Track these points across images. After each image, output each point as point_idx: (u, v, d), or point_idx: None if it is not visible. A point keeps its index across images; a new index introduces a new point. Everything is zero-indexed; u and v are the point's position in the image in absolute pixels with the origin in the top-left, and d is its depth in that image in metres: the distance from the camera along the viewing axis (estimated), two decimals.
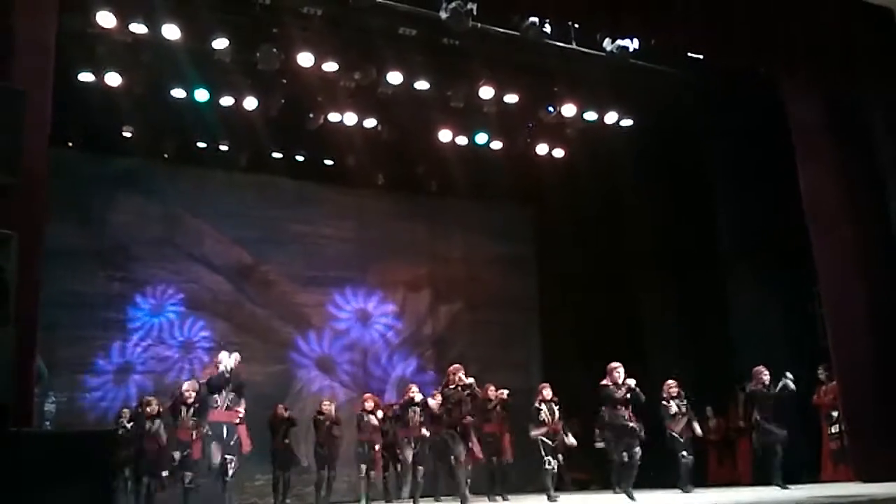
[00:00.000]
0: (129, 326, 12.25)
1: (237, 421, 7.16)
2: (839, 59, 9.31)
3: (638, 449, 8.59)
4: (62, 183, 10.30)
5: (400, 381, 13.25)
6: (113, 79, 10.32)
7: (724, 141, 12.17)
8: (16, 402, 5.02)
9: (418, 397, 9.52)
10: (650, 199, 13.05)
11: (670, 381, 9.85)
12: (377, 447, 10.45)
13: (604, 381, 8.72)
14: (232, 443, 7.13)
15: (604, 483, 11.46)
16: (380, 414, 10.20)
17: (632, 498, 8.37)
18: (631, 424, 8.63)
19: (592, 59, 10.37)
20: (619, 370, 8.73)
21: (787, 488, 8.87)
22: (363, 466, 10.27)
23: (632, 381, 8.70)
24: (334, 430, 10.80)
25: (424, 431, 9.58)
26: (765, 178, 11.49)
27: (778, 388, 9.27)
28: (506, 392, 8.87)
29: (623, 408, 8.60)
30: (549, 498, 9.13)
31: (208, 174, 12.89)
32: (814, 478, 10.08)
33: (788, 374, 9.32)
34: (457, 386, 8.30)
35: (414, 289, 14.46)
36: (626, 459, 8.58)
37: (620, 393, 8.61)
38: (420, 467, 9.50)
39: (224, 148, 12.50)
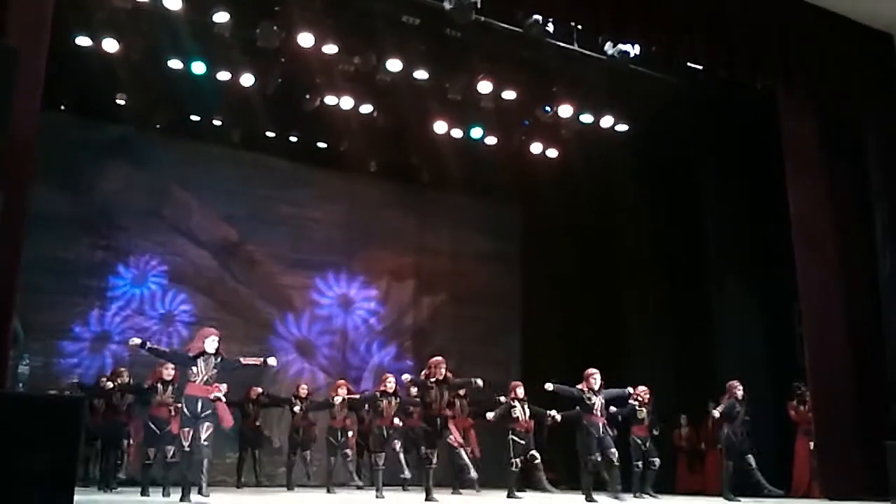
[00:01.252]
0: (110, 295, 12.18)
1: (212, 397, 7.12)
2: (837, 79, 9.38)
3: (613, 451, 8.62)
4: (51, 146, 10.19)
5: (378, 369, 13.24)
6: (110, 45, 10.20)
7: (717, 152, 12.23)
8: None
9: (392, 387, 9.52)
10: (640, 204, 13.09)
11: (641, 388, 9.92)
12: (350, 433, 10.45)
13: (579, 386, 8.76)
14: (204, 415, 7.07)
15: (574, 484, 11.51)
16: (338, 399, 10.16)
17: (618, 499, 8.49)
18: (605, 431, 8.68)
19: (592, 61, 10.37)
20: (594, 377, 8.77)
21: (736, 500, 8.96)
22: (331, 458, 10.28)
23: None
24: (310, 415, 10.83)
25: (397, 421, 9.59)
26: (754, 191, 11.55)
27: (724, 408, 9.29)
28: (480, 381, 8.89)
29: (598, 415, 8.65)
30: (510, 495, 9.22)
31: (200, 148, 12.81)
32: (785, 493, 10.16)
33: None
34: (437, 379, 8.31)
35: (398, 278, 14.45)
36: (601, 464, 8.63)
37: (595, 400, 8.65)
38: (382, 455, 9.44)
39: (218, 123, 12.42)
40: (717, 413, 9.39)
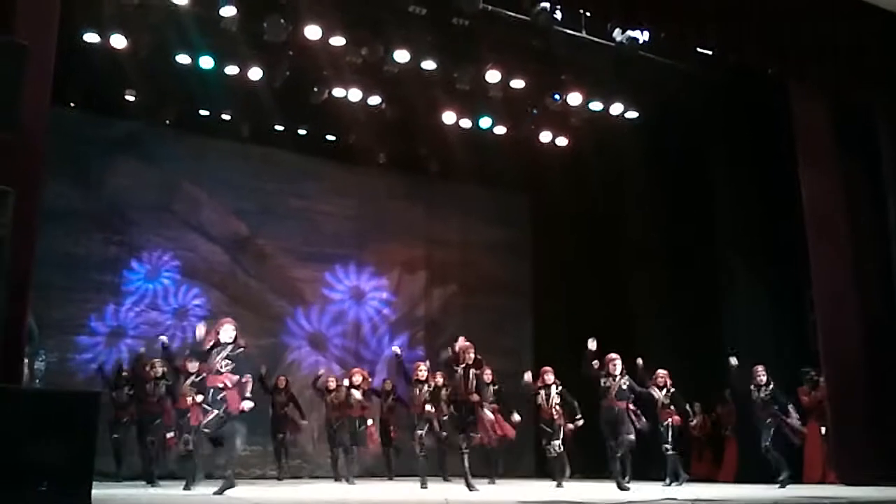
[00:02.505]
0: (124, 290, 12.25)
1: (220, 385, 7.18)
2: (849, 64, 9.29)
3: (628, 438, 8.58)
4: (62, 143, 10.25)
5: (391, 360, 13.25)
6: (118, 41, 10.23)
7: (728, 139, 12.14)
8: (5, 358, 5.03)
9: (424, 375, 9.52)
10: (650, 192, 13.03)
11: (660, 371, 9.90)
12: (369, 422, 10.44)
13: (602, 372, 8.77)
14: (220, 403, 7.15)
15: (589, 473, 11.53)
16: (357, 393, 10.18)
17: (623, 488, 8.40)
18: (624, 416, 8.66)
19: (601, 48, 10.31)
20: (614, 362, 8.75)
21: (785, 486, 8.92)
22: (342, 446, 10.31)
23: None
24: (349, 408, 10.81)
25: (429, 408, 9.53)
26: (765, 178, 11.48)
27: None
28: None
29: (617, 399, 8.64)
30: (558, 485, 9.20)
31: (209, 143, 12.84)
32: (796, 479, 10.14)
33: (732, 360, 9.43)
34: (466, 364, 8.30)
35: (409, 269, 14.46)
36: (617, 450, 8.62)
37: (614, 384, 8.64)
38: (422, 445, 9.44)
39: (226, 117, 12.44)
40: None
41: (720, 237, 12.22)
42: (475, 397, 8.43)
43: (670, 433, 9.72)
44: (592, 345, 8.59)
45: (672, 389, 9.88)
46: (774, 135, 10.93)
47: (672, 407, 9.87)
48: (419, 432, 9.35)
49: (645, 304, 13.17)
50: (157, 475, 9.28)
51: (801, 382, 10.38)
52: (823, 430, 10.13)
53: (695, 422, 11.27)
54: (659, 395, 9.78)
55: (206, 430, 7.07)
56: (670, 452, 9.68)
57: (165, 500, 6.30)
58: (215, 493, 6.93)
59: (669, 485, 9.45)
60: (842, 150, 9.95)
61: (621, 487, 8.33)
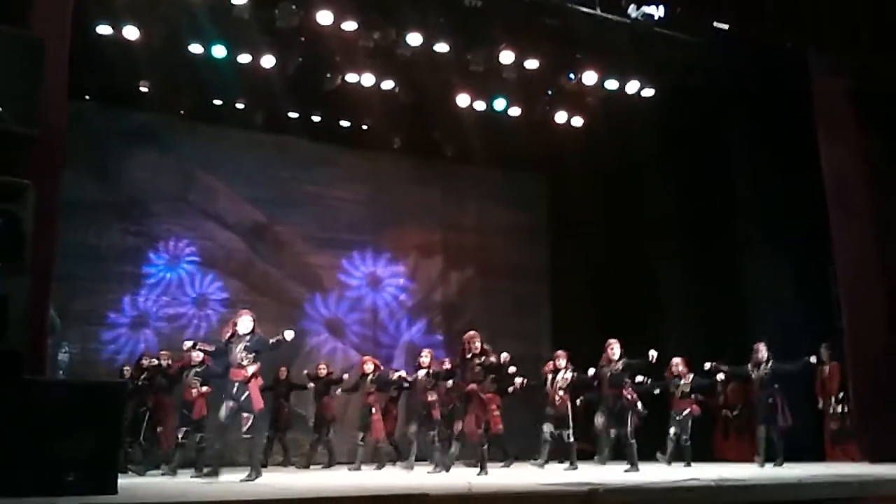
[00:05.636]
0: (144, 280, 12.35)
1: (241, 378, 7.23)
2: (869, 35, 9.11)
3: (628, 428, 8.57)
4: (79, 136, 10.21)
5: (409, 346, 13.31)
6: (131, 32, 10.24)
7: (746, 115, 11.99)
8: (29, 351, 5.07)
9: (426, 362, 9.54)
10: (669, 170, 12.92)
11: (676, 360, 9.83)
12: (374, 410, 10.47)
13: (602, 361, 8.76)
14: (242, 399, 7.21)
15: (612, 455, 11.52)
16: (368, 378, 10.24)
17: (635, 468, 8.39)
18: (617, 404, 8.63)
19: (616, 25, 10.16)
20: (612, 347, 8.72)
21: (780, 465, 8.86)
22: (360, 434, 10.34)
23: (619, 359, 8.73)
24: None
25: (433, 397, 9.59)
26: (786, 153, 11.33)
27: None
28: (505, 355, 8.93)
29: (607, 386, 8.61)
30: (539, 465, 9.25)
31: (224, 132, 12.86)
32: (819, 458, 10.08)
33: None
34: (472, 354, 8.31)
35: (426, 254, 14.46)
36: (613, 436, 8.62)
37: (612, 370, 8.62)
38: (432, 432, 9.48)
39: (240, 106, 12.45)
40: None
41: (741, 215, 12.11)
42: (472, 387, 8.41)
43: (689, 423, 9.68)
44: (653, 355, 8.65)
45: (691, 376, 9.80)
46: (794, 109, 10.77)
47: (693, 396, 9.81)
48: (413, 424, 9.58)
49: (665, 285, 13.11)
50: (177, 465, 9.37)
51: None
52: (835, 408, 10.08)
53: (720, 399, 11.21)
54: (676, 385, 9.72)
55: (247, 434, 7.16)
56: (687, 444, 9.64)
57: (190, 488, 6.36)
58: (242, 481, 7.01)
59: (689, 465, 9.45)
60: (863, 123, 9.81)
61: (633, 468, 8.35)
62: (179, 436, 8.79)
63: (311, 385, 11.20)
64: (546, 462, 9.39)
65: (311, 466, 10.85)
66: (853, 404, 9.74)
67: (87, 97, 11.47)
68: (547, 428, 9.43)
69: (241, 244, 13.12)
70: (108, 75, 11.33)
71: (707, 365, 9.77)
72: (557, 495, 5.31)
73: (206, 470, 8.07)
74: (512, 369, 9.72)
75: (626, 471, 8.21)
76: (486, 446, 8.32)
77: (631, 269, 13.32)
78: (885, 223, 9.62)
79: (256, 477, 7.16)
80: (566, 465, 9.21)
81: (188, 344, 8.14)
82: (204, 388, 8.78)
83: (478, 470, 8.16)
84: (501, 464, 10.01)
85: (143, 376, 9.83)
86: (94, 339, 11.78)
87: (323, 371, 11.10)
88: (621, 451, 9.17)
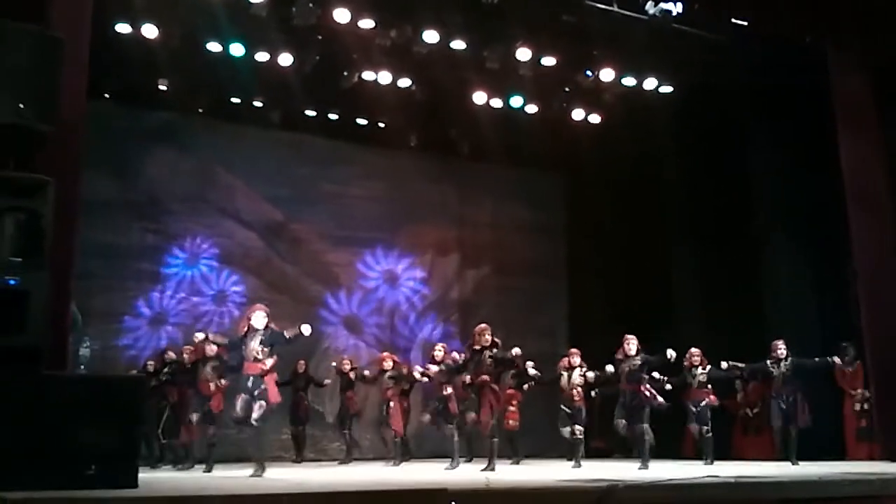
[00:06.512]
0: (163, 278, 12.45)
1: (258, 373, 7.26)
2: (889, 30, 9.02)
3: (642, 425, 8.54)
4: (98, 134, 10.34)
5: (426, 343, 13.31)
6: (149, 30, 10.33)
7: (765, 112, 11.88)
8: (50, 346, 5.13)
9: (440, 356, 9.55)
10: (686, 167, 12.83)
11: (693, 350, 9.77)
12: (391, 405, 10.48)
13: (617, 355, 8.71)
14: (257, 392, 7.24)
15: (626, 453, 11.48)
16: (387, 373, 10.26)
17: (645, 466, 8.35)
18: (633, 399, 8.61)
19: (633, 22, 10.13)
20: (630, 342, 8.69)
21: (796, 464, 8.77)
22: (381, 427, 10.36)
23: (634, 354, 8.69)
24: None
25: (448, 391, 9.56)
26: (805, 149, 11.23)
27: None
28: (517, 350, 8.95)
29: (624, 382, 8.58)
30: (575, 464, 9.16)
31: (242, 130, 12.94)
32: (839, 456, 9.98)
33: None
34: (482, 347, 8.30)
35: (442, 252, 14.47)
36: (627, 432, 8.58)
37: (628, 365, 8.59)
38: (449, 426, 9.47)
39: (258, 104, 12.52)
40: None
41: (759, 211, 12.00)
42: (484, 378, 8.37)
43: (708, 413, 9.59)
44: (672, 354, 8.65)
45: (709, 367, 9.74)
46: (813, 105, 10.67)
47: (709, 386, 9.74)
48: (427, 414, 9.63)
49: (683, 282, 13.02)
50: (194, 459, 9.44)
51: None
52: (858, 406, 9.99)
53: (739, 398, 11.13)
54: (693, 376, 9.66)
55: (258, 422, 7.18)
56: (708, 435, 9.55)
57: (210, 482, 6.41)
58: (251, 476, 7.04)
59: (711, 464, 9.36)
60: (882, 119, 9.72)
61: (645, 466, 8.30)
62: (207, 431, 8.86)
63: (328, 381, 11.27)
64: (580, 459, 9.28)
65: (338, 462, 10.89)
66: (873, 402, 9.63)
67: (106, 96, 11.58)
68: (566, 429, 9.41)
69: (260, 242, 13.19)
70: (127, 74, 11.44)
71: (724, 364, 9.70)
72: (575, 492, 5.29)
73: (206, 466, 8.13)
74: (529, 364, 9.71)
75: (639, 468, 8.18)
76: (495, 439, 8.29)
77: (648, 267, 13.24)
78: None
79: (263, 471, 7.19)
80: (573, 462, 9.18)
81: (200, 336, 8.15)
82: (223, 382, 8.83)
83: (486, 464, 8.14)
84: (510, 461, 9.99)
85: (165, 370, 9.88)
86: (114, 336, 11.90)
87: (347, 366, 11.13)
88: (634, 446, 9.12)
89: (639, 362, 8.66)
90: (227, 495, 4.58)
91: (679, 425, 10.15)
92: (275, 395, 7.45)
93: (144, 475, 5.40)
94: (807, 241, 11.41)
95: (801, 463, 8.81)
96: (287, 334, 7.52)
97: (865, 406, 10.07)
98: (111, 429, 4.76)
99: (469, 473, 7.51)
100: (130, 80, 11.66)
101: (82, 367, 9.38)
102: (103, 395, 4.94)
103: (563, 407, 9.50)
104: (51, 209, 4.96)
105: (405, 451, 10.61)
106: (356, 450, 11.28)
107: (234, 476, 7.58)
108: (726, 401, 10.68)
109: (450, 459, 8.69)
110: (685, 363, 9.63)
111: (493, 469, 7.96)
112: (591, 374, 9.44)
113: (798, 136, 11.32)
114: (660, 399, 8.96)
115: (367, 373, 11.10)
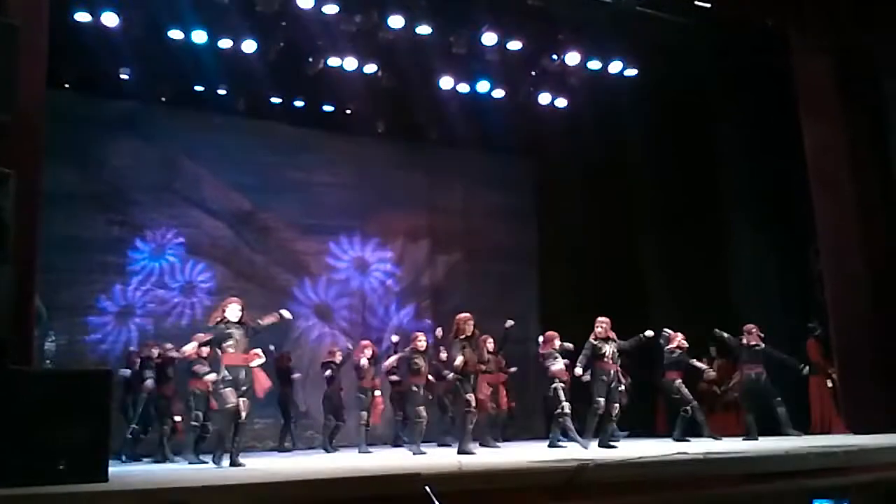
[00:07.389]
0: (129, 270, 12.25)
1: (241, 363, 7.21)
2: (850, 13, 9.16)
3: (618, 404, 8.73)
4: (59, 125, 10.12)
5: (398, 330, 13.30)
6: (110, 19, 10.13)
7: (729, 95, 12.03)
8: (15, 340, 5.05)
9: (423, 346, 9.55)
10: (653, 150, 12.95)
11: (667, 331, 9.93)
12: (377, 393, 10.51)
13: (591, 338, 8.83)
14: (245, 388, 7.19)
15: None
16: (364, 361, 10.23)
17: (610, 445, 8.51)
18: (616, 379, 8.74)
19: (598, 5, 10.17)
20: (602, 325, 8.81)
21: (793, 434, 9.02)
22: (363, 413, 10.35)
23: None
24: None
25: (432, 378, 9.64)
26: (768, 132, 11.40)
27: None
28: (510, 322, 9.04)
29: (608, 362, 8.70)
30: (582, 445, 9.21)
31: (206, 118, 12.73)
32: (804, 431, 10.22)
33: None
34: (465, 336, 8.35)
35: (412, 238, 14.45)
36: (604, 412, 8.71)
37: (605, 348, 8.72)
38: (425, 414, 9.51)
39: (222, 92, 12.32)
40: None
41: (724, 194, 12.18)
42: (481, 367, 8.49)
43: (686, 391, 9.81)
44: (649, 333, 9.04)
45: (683, 348, 9.95)
46: (776, 89, 10.82)
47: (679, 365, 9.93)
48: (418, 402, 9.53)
49: (651, 264, 13.18)
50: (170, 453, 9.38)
51: (806, 336, 10.42)
52: (830, 383, 10.22)
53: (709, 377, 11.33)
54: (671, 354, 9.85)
55: (244, 420, 7.16)
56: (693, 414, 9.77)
57: (182, 475, 6.37)
58: (231, 465, 7.02)
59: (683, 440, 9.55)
60: (845, 102, 9.88)
61: (608, 445, 8.47)
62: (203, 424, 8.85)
63: (299, 374, 11.29)
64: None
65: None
66: (837, 378, 9.86)
67: (66, 86, 11.33)
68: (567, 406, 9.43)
69: (227, 232, 13.04)
70: (87, 63, 11.18)
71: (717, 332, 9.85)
72: (547, 472, 5.35)
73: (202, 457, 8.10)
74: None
75: (600, 446, 8.39)
76: (470, 424, 8.35)
77: (618, 251, 13.38)
78: (867, 197, 9.72)
79: (225, 460, 7.20)
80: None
81: (189, 349, 8.06)
82: (213, 377, 8.75)
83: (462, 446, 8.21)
84: (499, 443, 10.10)
85: (151, 366, 9.74)
86: (80, 331, 11.70)
87: (338, 357, 11.06)
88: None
89: (623, 344, 8.86)
90: (196, 486, 4.55)
91: (652, 403, 10.31)
92: (264, 382, 7.43)
93: (116, 469, 5.35)
94: (772, 223, 11.61)
95: (767, 438, 9.04)
96: (263, 322, 7.48)
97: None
98: (79, 423, 4.71)
99: (442, 458, 7.56)
100: (91, 69, 11.41)
101: (48, 361, 9.26)
102: (71, 389, 4.88)
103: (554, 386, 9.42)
104: (12, 202, 4.87)
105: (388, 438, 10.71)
106: (337, 438, 11.28)
107: (210, 467, 7.56)
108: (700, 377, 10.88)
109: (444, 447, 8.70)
110: (673, 346, 9.80)
111: (471, 452, 8.03)
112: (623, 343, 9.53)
113: (762, 119, 11.48)
114: (627, 378, 9.21)
115: (363, 363, 11.01)
